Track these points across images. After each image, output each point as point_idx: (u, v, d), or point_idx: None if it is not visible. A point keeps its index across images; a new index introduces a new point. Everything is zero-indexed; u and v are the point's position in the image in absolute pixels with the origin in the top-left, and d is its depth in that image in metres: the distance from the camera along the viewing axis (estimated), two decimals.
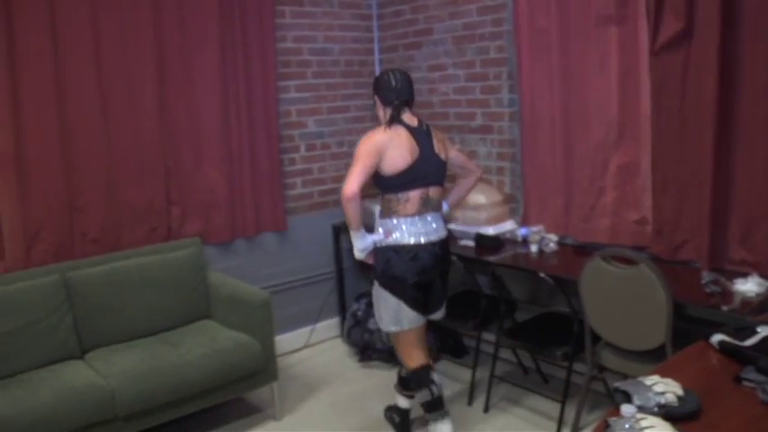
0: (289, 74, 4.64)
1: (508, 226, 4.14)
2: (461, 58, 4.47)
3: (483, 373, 3.97)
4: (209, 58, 4.15)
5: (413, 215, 3.07)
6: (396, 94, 3.10)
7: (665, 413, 1.74)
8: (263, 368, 3.67)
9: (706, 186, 3.26)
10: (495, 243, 3.97)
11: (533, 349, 3.71)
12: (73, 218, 3.76)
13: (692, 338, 2.47)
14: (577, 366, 3.47)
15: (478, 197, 4.13)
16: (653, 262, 2.94)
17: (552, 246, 3.82)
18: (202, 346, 3.56)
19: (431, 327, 4.47)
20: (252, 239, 4.54)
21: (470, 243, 4.06)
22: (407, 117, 3.11)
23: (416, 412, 3.48)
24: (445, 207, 3.35)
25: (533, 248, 3.83)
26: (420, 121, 3.14)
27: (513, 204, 4.29)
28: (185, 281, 3.95)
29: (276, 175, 4.57)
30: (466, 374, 4.14)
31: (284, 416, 3.84)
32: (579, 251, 3.81)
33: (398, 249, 3.06)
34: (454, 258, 3.46)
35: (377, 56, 5.12)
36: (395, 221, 3.08)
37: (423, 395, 3.17)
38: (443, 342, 4.54)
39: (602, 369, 3.28)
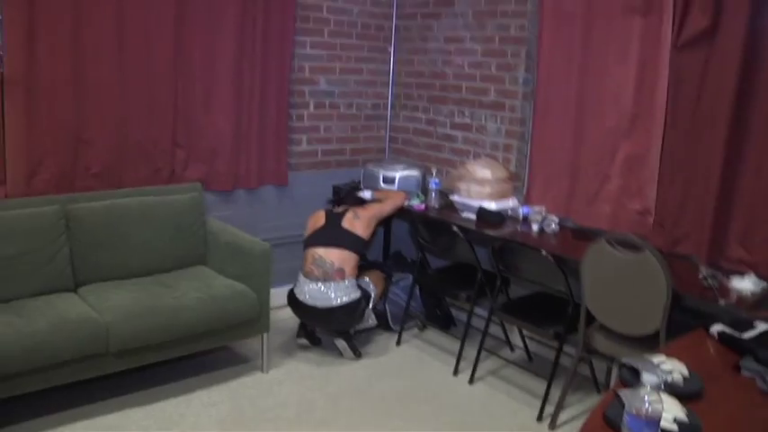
0: (306, 29, 4.60)
1: (510, 203, 4.16)
2: (480, 32, 4.45)
3: (469, 348, 4.01)
4: (229, 3, 4.10)
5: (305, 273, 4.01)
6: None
7: (671, 391, 1.78)
8: (257, 318, 3.68)
9: (712, 183, 3.30)
10: (497, 218, 4.00)
11: (527, 326, 3.75)
12: (78, 150, 3.73)
13: (685, 329, 2.52)
14: (565, 348, 3.52)
15: (484, 171, 4.14)
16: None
17: (554, 226, 3.85)
18: (198, 291, 3.55)
19: (420, 294, 4.54)
20: (253, 191, 4.53)
21: (472, 216, 4.08)
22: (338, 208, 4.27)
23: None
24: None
25: (534, 227, 3.86)
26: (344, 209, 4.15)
27: (516, 183, 4.31)
28: (184, 224, 3.94)
29: (282, 129, 4.56)
30: (452, 345, 4.19)
31: (270, 369, 3.86)
32: (579, 234, 3.83)
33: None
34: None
35: (394, 21, 5.08)
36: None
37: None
38: (431, 312, 4.58)
39: (590, 351, 3.33)
